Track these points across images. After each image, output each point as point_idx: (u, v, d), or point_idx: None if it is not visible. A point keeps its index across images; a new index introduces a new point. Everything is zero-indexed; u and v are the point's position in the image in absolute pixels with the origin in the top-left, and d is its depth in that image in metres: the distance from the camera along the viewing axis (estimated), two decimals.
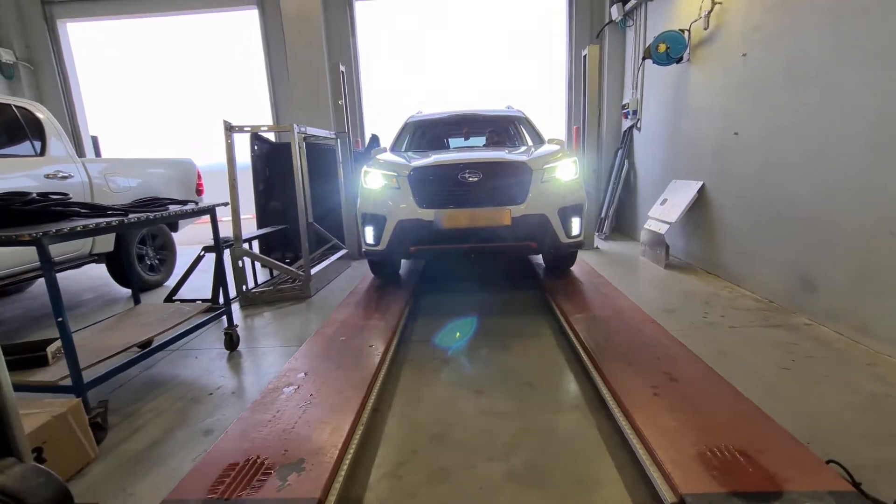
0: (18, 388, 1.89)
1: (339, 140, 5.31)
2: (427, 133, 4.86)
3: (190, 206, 2.56)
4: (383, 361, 2.36)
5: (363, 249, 3.63)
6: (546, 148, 3.77)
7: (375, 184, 3.46)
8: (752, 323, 2.92)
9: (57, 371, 1.96)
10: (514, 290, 3.96)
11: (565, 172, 3.40)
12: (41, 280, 3.71)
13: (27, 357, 2.01)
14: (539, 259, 4.08)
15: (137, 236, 4.46)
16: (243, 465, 1.52)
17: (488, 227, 3.22)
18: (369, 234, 3.44)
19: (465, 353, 2.69)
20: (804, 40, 2.92)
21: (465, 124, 4.84)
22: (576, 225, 3.36)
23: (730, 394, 1.84)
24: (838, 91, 2.66)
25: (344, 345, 2.56)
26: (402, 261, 4.51)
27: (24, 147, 3.59)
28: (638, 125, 5.85)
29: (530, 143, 4.44)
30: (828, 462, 1.44)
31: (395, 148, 4.55)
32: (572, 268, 3.94)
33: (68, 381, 1.86)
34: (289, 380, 2.15)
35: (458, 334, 2.95)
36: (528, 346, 2.74)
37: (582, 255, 4.80)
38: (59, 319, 1.78)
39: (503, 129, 4.77)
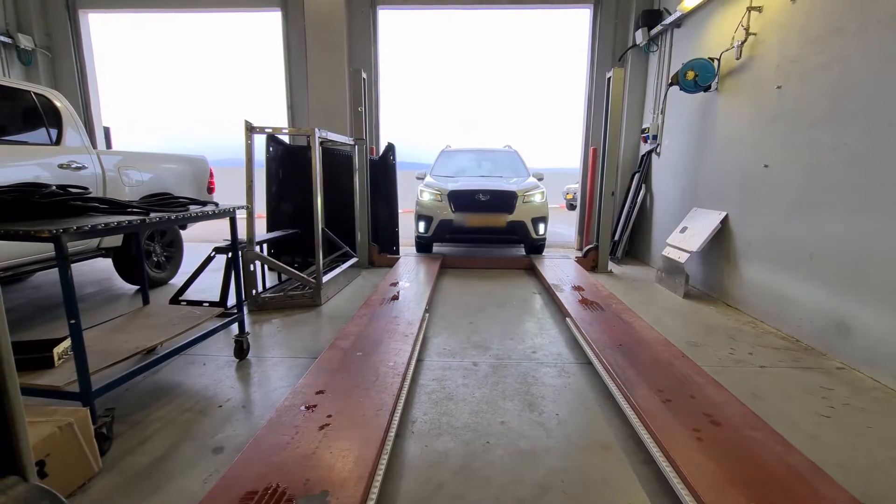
0: (21, 391, 1.78)
1: (356, 147, 5.24)
2: (455, 162, 7.23)
3: (210, 208, 2.46)
4: (404, 381, 2.25)
5: (416, 235, 5.97)
6: (529, 181, 6.17)
7: (427, 198, 5.81)
8: (782, 363, 2.81)
9: (63, 374, 1.84)
10: (528, 315, 3.86)
11: (537, 198, 5.76)
12: (43, 270, 3.58)
13: (32, 358, 1.90)
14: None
15: (147, 232, 4.36)
16: (262, 493, 1.41)
17: (492, 226, 5.64)
18: (422, 226, 5.76)
19: (483, 378, 2.58)
20: (849, 76, 2.86)
21: (478, 158, 7.35)
22: (541, 228, 5.72)
23: (778, 443, 1.73)
24: (884, 132, 2.59)
25: (362, 361, 2.45)
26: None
27: (41, 135, 3.51)
28: (658, 150, 5.80)
29: (522, 173, 6.71)
30: None
31: (433, 171, 6.89)
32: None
33: (75, 387, 1.75)
34: (305, 397, 2.03)
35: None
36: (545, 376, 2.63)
37: (598, 279, 4.70)
38: (73, 322, 1.66)
39: (502, 162, 7.17)
